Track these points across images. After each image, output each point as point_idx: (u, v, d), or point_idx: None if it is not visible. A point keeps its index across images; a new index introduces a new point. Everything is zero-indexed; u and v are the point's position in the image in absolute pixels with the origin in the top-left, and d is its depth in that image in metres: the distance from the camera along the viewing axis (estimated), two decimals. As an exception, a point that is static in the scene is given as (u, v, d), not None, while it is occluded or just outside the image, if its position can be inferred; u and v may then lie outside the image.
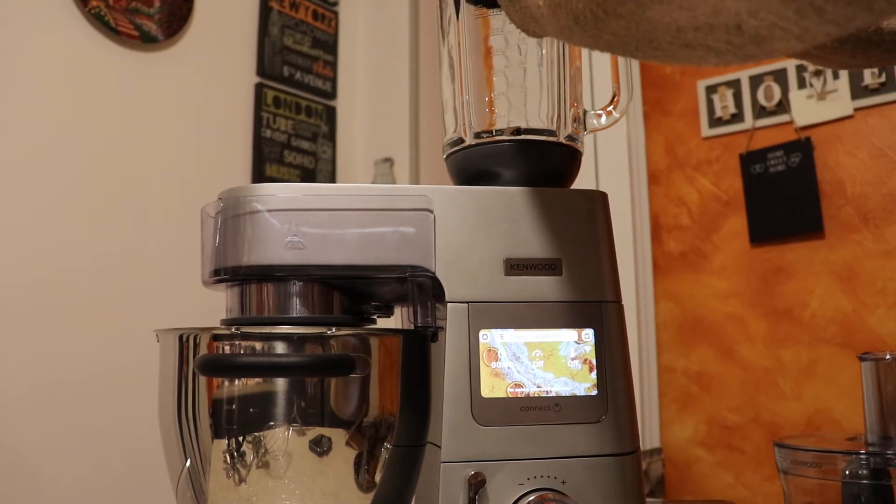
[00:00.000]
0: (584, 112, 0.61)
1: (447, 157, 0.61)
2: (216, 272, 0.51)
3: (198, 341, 0.49)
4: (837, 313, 1.00)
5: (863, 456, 0.60)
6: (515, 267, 0.51)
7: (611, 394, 0.50)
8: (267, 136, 1.38)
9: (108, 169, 1.11)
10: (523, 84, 0.59)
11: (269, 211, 0.49)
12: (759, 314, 1.06)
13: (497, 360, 0.50)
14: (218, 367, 0.47)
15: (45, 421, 0.98)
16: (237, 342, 0.48)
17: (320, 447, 0.47)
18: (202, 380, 0.48)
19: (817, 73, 1.04)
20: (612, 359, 0.51)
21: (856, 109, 1.02)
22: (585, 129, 0.61)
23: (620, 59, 0.62)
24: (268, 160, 1.38)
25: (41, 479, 0.96)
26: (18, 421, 0.96)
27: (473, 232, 0.51)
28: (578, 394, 0.50)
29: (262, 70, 1.39)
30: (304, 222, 0.49)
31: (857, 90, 1.02)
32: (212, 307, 0.66)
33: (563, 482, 0.48)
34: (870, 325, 0.97)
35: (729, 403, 1.07)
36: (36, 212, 1.01)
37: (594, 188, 0.55)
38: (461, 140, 0.59)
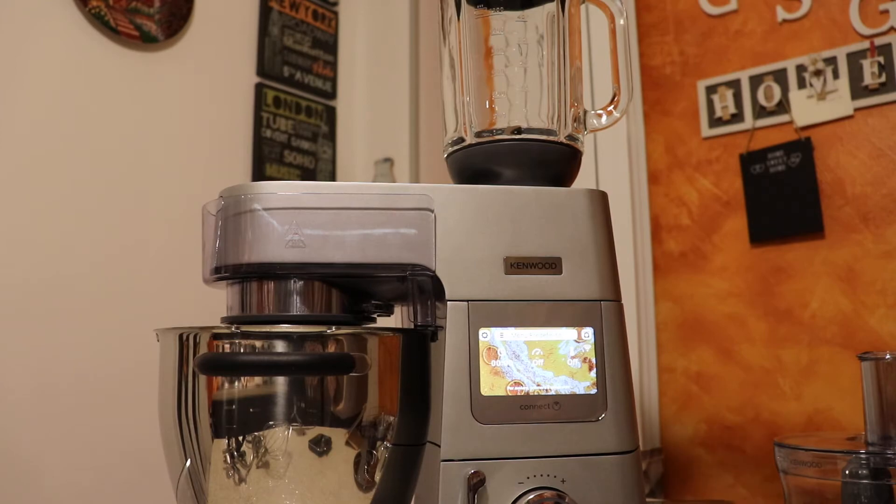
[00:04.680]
0: (585, 112, 0.61)
1: (448, 156, 0.61)
2: (217, 270, 0.51)
3: (198, 340, 0.49)
4: (837, 313, 1.00)
5: (863, 456, 0.60)
6: (515, 266, 0.51)
7: (610, 392, 0.50)
8: (267, 136, 1.38)
9: (107, 168, 1.11)
10: (524, 84, 0.59)
11: (270, 209, 0.49)
12: (759, 314, 1.06)
13: (497, 359, 0.50)
14: (218, 365, 0.47)
15: (44, 421, 0.98)
16: (237, 341, 0.48)
17: (320, 447, 0.47)
18: (202, 379, 0.48)
19: (817, 74, 1.04)
20: (611, 357, 0.51)
21: (856, 109, 1.01)
22: (586, 129, 0.61)
23: (621, 59, 0.62)
24: (268, 160, 1.38)
25: (40, 479, 0.96)
26: (18, 421, 0.96)
27: (474, 231, 0.51)
28: (578, 392, 0.50)
29: (262, 70, 1.39)
30: (304, 221, 0.49)
31: (857, 90, 1.01)
32: (212, 306, 0.66)
33: (563, 481, 0.48)
34: (870, 325, 0.97)
35: (729, 403, 1.07)
36: (34, 212, 1.01)
37: (594, 188, 0.55)
38: (462, 139, 0.59)
